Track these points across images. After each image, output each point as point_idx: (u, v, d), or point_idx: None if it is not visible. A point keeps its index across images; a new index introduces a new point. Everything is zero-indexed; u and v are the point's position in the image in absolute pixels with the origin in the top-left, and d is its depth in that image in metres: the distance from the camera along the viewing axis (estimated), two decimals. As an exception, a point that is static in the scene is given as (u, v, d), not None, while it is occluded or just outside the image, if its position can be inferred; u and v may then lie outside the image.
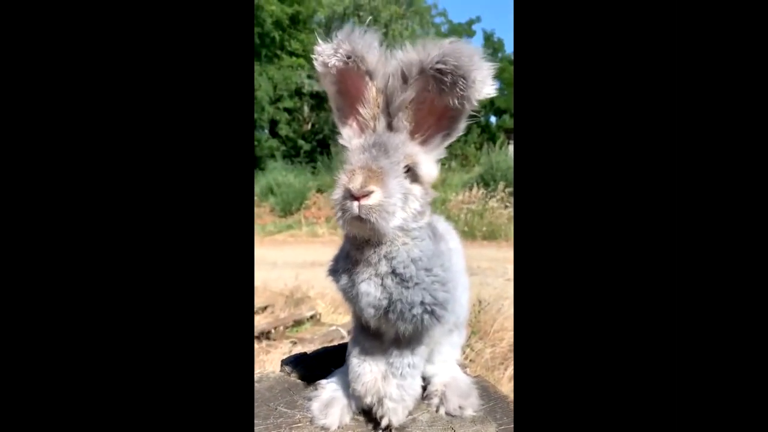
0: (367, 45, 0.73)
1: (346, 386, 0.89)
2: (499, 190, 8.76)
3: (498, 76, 0.71)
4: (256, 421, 0.86)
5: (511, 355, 2.57)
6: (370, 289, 0.76)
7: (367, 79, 0.75)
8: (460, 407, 0.89)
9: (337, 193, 0.70)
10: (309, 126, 16.72)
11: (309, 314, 4.00)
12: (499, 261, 5.54)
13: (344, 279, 0.79)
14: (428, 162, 0.76)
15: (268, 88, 15.32)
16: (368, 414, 0.87)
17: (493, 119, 20.28)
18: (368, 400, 0.84)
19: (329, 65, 0.73)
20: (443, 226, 0.90)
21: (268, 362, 2.97)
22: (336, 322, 3.91)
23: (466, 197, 9.01)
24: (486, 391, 0.98)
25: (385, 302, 0.76)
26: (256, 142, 14.34)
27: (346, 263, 0.79)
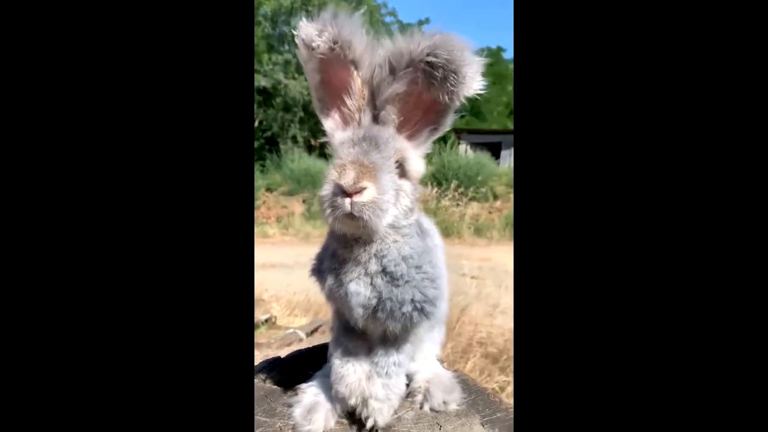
0: (354, 31, 0.69)
1: (328, 389, 0.86)
2: (451, 189, 9.00)
3: None
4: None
5: (471, 348, 2.64)
6: (359, 288, 0.73)
7: (353, 68, 0.72)
8: (444, 402, 0.89)
9: (327, 189, 0.66)
10: (257, 123, 16.18)
11: (264, 318, 3.86)
12: (453, 257, 5.67)
13: (330, 279, 0.76)
14: (416, 157, 0.74)
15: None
16: (353, 416, 0.85)
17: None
18: (353, 401, 0.81)
19: (313, 47, 0.69)
20: (426, 221, 0.90)
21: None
22: (293, 325, 3.81)
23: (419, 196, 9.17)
24: (466, 385, 0.99)
25: (374, 301, 0.74)
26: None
27: (333, 262, 0.76)
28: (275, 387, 0.97)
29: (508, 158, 14.96)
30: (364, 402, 0.81)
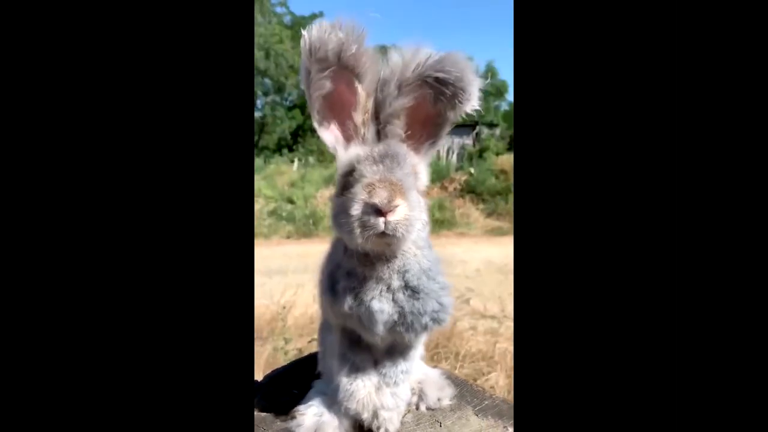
0: (359, 40, 0.67)
1: (330, 406, 0.82)
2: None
3: None
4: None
5: (436, 350, 2.71)
6: (383, 306, 0.72)
7: (356, 81, 0.70)
8: (438, 399, 0.92)
9: (356, 209, 0.64)
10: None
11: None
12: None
13: (350, 299, 0.73)
14: (424, 171, 0.75)
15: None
16: (361, 429, 0.82)
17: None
18: (365, 415, 0.79)
19: (319, 56, 0.65)
20: None
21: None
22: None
23: (330, 193, 9.05)
24: (451, 379, 1.03)
25: (396, 317, 0.74)
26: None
27: (350, 281, 0.74)
28: (264, 414, 0.88)
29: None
30: (374, 414, 0.80)
